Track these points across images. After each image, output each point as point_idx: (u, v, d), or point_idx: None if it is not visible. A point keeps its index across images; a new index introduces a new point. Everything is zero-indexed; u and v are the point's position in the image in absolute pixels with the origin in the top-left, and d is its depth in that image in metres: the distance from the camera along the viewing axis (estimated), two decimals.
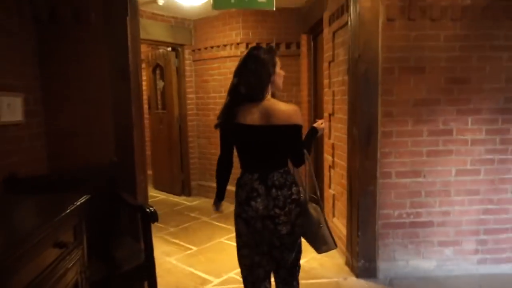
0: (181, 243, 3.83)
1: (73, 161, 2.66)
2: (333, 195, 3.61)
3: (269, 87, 1.90)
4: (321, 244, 2.02)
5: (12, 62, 2.38)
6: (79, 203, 1.57)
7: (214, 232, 4.11)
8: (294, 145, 1.90)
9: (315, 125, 2.17)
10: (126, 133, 2.73)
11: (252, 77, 1.84)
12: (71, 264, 1.52)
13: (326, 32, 3.67)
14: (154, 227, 4.06)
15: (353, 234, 3.05)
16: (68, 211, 1.49)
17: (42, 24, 2.60)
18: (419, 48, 2.87)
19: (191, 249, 3.68)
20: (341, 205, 3.38)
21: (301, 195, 1.96)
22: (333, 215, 3.65)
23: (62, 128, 2.69)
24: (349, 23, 2.97)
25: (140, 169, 2.82)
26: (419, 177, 2.96)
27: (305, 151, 1.97)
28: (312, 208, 1.99)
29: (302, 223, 1.96)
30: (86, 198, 1.63)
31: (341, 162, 3.32)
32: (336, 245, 2.07)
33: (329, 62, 3.65)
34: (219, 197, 2.13)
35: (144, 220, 2.13)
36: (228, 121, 1.89)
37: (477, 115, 2.94)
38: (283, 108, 1.86)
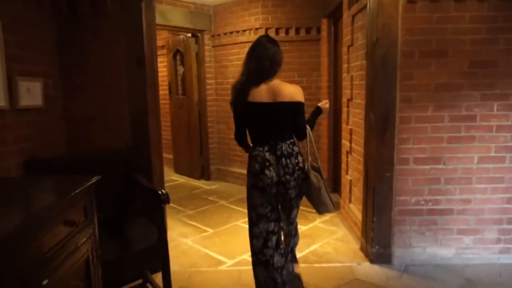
0: (198, 225, 3.89)
1: (90, 144, 2.74)
2: (350, 181, 3.57)
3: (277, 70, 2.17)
4: (320, 206, 2.29)
5: (33, 50, 2.45)
6: (88, 184, 1.62)
7: (230, 215, 4.16)
8: (296, 119, 2.17)
9: (319, 104, 2.44)
10: (142, 118, 2.78)
11: (266, 60, 2.11)
12: (81, 242, 1.58)
13: (346, 16, 3.59)
14: (173, 209, 4.24)
15: (368, 220, 3.01)
16: (77, 191, 1.53)
17: (62, 15, 2.67)
18: (442, 31, 2.76)
19: (207, 231, 3.73)
20: (358, 191, 3.34)
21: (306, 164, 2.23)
22: (350, 201, 3.61)
23: (79, 113, 2.76)
24: (368, 5, 2.88)
25: (155, 153, 2.86)
26: (438, 164, 2.88)
27: (307, 126, 2.24)
28: (313, 176, 2.23)
29: (306, 187, 2.25)
30: (96, 179, 1.68)
31: (358, 148, 3.28)
32: (334, 207, 2.35)
33: (348, 47, 3.57)
34: (247, 150, 2.34)
35: (157, 202, 2.18)
36: (240, 100, 2.15)
37: (504, 100, 2.82)
38: (288, 87, 2.14)
